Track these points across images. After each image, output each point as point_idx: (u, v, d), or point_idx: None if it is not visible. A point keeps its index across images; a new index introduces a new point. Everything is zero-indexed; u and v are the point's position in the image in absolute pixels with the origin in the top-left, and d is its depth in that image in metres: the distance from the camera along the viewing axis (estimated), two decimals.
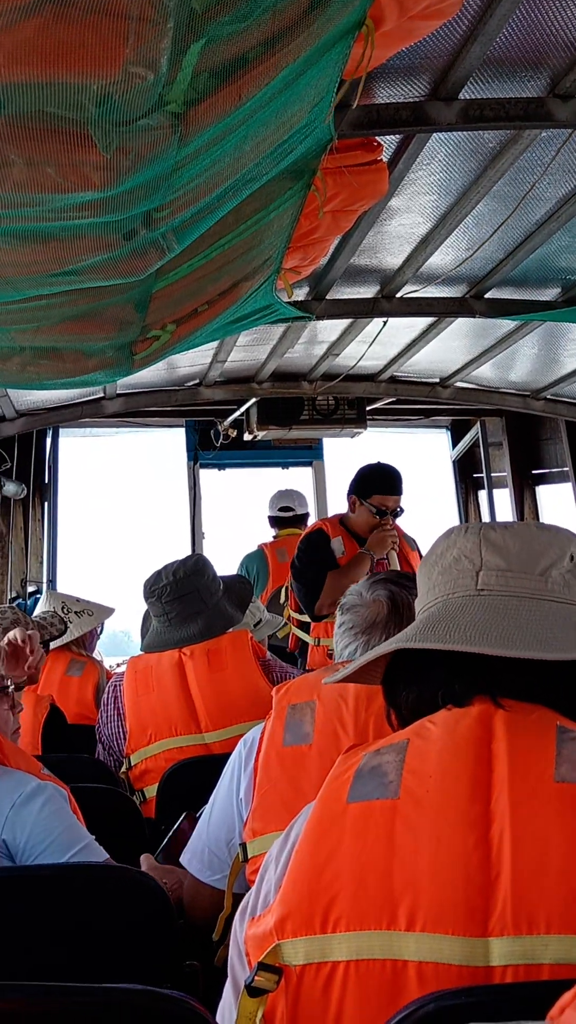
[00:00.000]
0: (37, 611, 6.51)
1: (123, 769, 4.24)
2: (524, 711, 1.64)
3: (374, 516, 6.25)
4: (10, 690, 3.19)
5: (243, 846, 2.60)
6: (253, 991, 1.50)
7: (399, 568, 6.04)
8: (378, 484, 6.36)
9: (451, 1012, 1.34)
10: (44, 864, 2.55)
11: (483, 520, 9.91)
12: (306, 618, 6.49)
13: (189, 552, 8.33)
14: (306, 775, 2.51)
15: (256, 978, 1.49)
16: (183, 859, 2.89)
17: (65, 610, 6.38)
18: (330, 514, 7.82)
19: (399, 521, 6.39)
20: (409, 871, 1.48)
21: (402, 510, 6.35)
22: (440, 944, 1.43)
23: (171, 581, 4.33)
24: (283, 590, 7.29)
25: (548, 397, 8.68)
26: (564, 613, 1.75)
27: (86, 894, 2.38)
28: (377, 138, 3.78)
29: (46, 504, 9.79)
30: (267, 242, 3.82)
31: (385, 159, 3.93)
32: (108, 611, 6.69)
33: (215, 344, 6.83)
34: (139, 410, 8.89)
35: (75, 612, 6.45)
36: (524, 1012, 1.28)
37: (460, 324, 6.72)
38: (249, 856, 2.54)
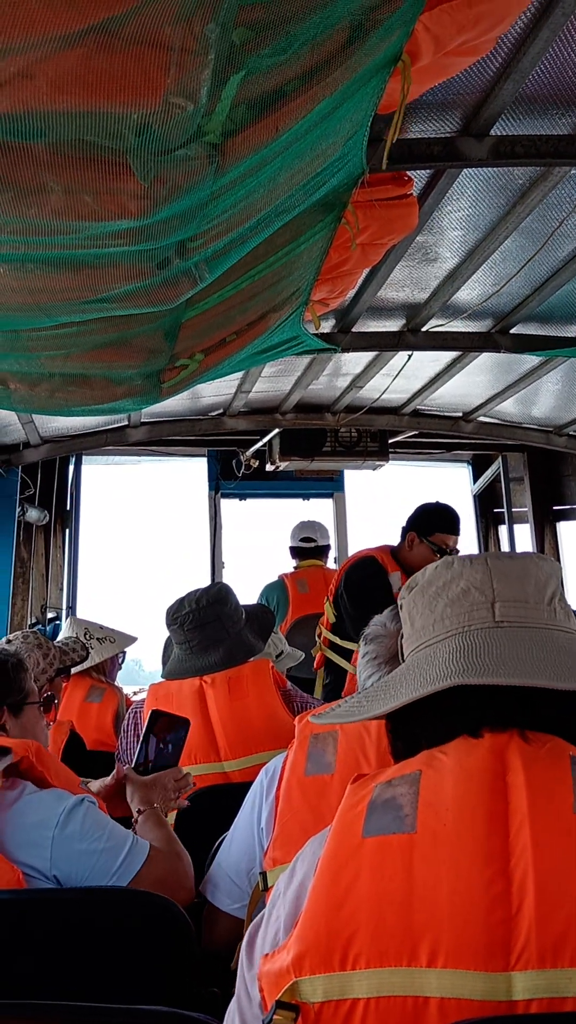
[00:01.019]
0: (60, 636, 6.53)
1: None
2: (537, 741, 1.64)
3: (434, 554, 6.19)
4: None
5: (263, 875, 2.59)
6: None
7: None
8: (441, 523, 6.37)
9: None
10: (68, 888, 2.56)
11: None
12: (349, 645, 6.41)
13: (208, 581, 8.34)
14: (327, 805, 2.50)
15: (275, 1016, 1.48)
16: (202, 888, 2.89)
17: (88, 636, 6.39)
18: (350, 546, 7.81)
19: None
20: (429, 906, 1.47)
21: (458, 551, 6.30)
22: (462, 980, 1.42)
23: (194, 609, 4.33)
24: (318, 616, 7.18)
25: (570, 433, 8.68)
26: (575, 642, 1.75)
27: (109, 918, 2.38)
28: (408, 173, 3.80)
29: (67, 531, 9.82)
30: (297, 273, 3.84)
31: (415, 193, 3.95)
32: (130, 639, 6.69)
33: (240, 374, 6.86)
34: (162, 439, 8.91)
35: (97, 639, 6.46)
36: None
37: (484, 359, 6.73)
38: (269, 885, 2.53)
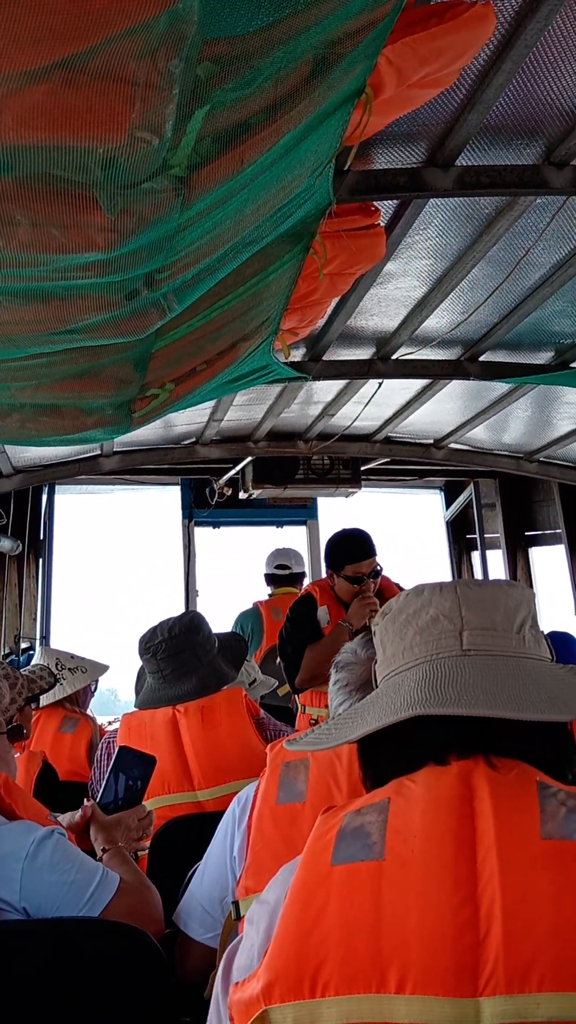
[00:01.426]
0: (30, 666, 6.50)
1: None
2: (504, 767, 1.65)
3: (352, 585, 6.16)
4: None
5: (235, 904, 2.58)
6: None
7: None
8: (347, 554, 6.24)
9: None
10: (38, 919, 2.54)
11: None
12: (285, 689, 6.48)
13: (183, 610, 8.33)
14: (299, 833, 2.50)
15: None
16: (175, 917, 2.88)
17: (59, 667, 6.36)
18: (324, 574, 7.80)
19: (389, 572, 6.35)
20: (397, 933, 1.46)
21: (380, 569, 6.24)
22: (431, 1006, 1.41)
23: (166, 638, 4.31)
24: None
25: (541, 459, 8.72)
26: (544, 670, 1.76)
27: (80, 949, 2.37)
28: (375, 203, 3.83)
29: (41, 560, 9.79)
30: (266, 303, 3.86)
31: (383, 223, 3.98)
32: (102, 668, 6.67)
33: (212, 403, 6.88)
34: (135, 468, 8.91)
35: (69, 668, 6.43)
36: None
37: (454, 386, 6.76)
38: (242, 915, 2.51)
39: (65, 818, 3.24)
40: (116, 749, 4.19)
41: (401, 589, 6.24)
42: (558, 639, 5.30)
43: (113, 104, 1.99)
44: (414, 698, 1.70)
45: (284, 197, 2.86)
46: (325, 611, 6.27)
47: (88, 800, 3.30)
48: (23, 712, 5.02)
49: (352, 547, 6.25)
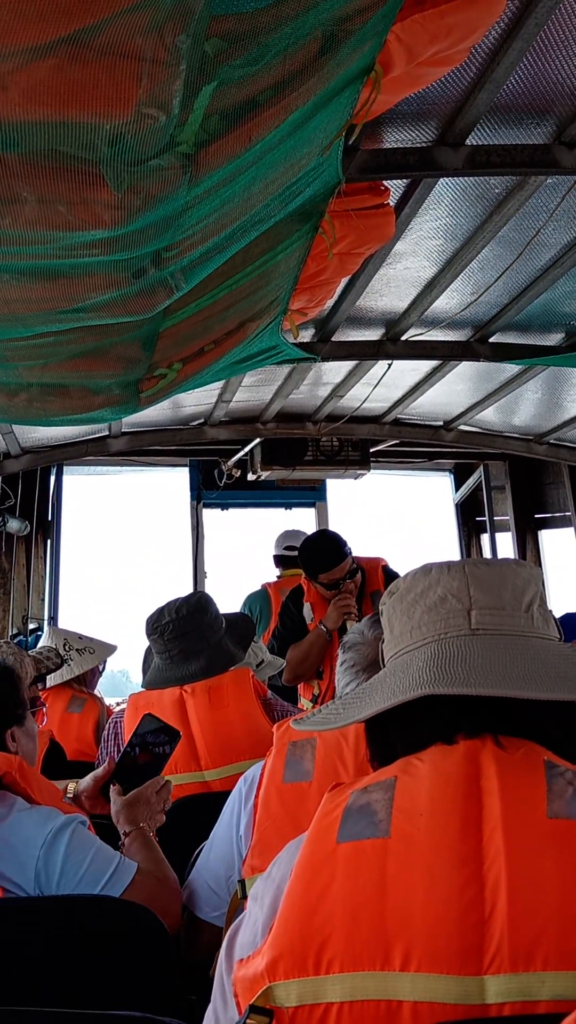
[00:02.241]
0: (38, 646, 6.53)
1: None
2: (512, 747, 1.65)
3: (326, 589, 6.16)
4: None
5: (241, 883, 2.59)
6: None
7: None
8: (317, 563, 6.21)
9: None
10: (45, 896, 2.55)
11: None
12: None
13: (191, 591, 8.33)
14: (306, 812, 2.49)
15: (248, 1021, 1.47)
16: (183, 895, 2.89)
17: (67, 647, 6.39)
18: None
19: (397, 556, 6.35)
20: (402, 911, 1.46)
21: (356, 568, 6.19)
22: (435, 984, 1.41)
23: (174, 618, 4.31)
24: None
25: (551, 442, 8.70)
26: (553, 649, 1.76)
27: (86, 927, 2.37)
28: (384, 182, 3.82)
29: (49, 541, 9.80)
30: (274, 283, 3.85)
31: (392, 203, 3.97)
32: (110, 649, 6.68)
33: (220, 384, 6.87)
34: (143, 449, 8.91)
35: (77, 649, 6.46)
36: None
37: (464, 368, 6.75)
38: (247, 893, 2.52)
39: (83, 783, 3.24)
40: (125, 729, 4.21)
41: (389, 574, 6.24)
42: (571, 621, 5.29)
43: (120, 80, 1.98)
44: (423, 677, 1.70)
45: (292, 175, 2.85)
46: (309, 608, 6.29)
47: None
48: (31, 691, 5.05)
49: (322, 554, 6.22)
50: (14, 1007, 1.68)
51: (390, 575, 6.33)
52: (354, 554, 6.36)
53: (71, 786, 3.33)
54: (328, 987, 1.46)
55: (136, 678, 4.81)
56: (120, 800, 3.16)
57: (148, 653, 4.61)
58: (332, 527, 10.22)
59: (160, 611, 4.38)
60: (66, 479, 10.01)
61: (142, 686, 4.56)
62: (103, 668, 6.84)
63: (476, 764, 1.61)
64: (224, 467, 9.68)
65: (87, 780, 3.29)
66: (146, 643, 4.58)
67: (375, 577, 6.28)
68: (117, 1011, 1.64)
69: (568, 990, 1.38)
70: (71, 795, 3.32)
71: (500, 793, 1.55)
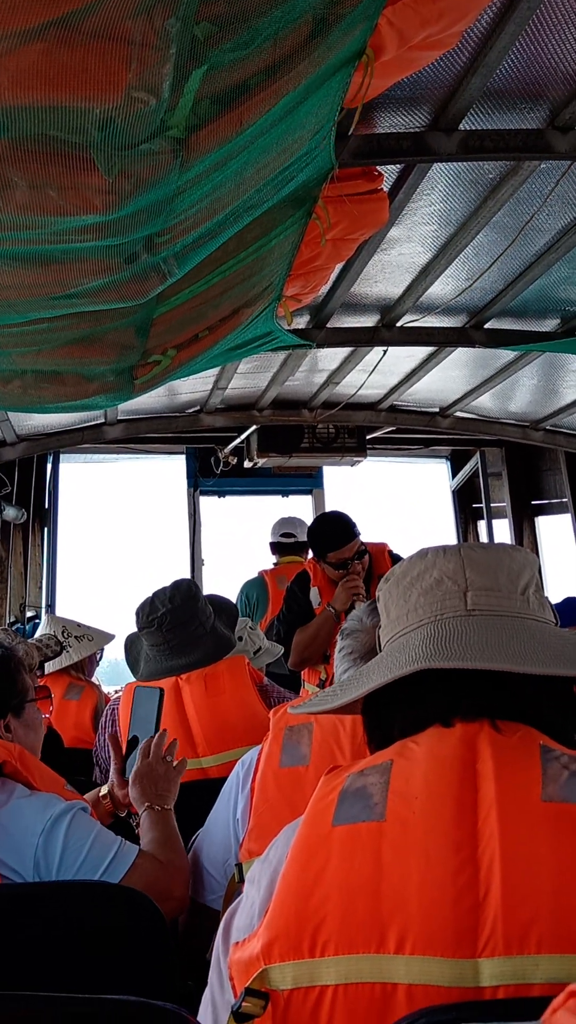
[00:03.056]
0: (37, 634, 6.55)
1: None
2: (508, 730, 1.65)
3: (336, 571, 6.11)
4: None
5: (238, 867, 2.60)
6: (240, 1016, 1.49)
7: None
8: (326, 542, 6.17)
9: None
10: (42, 881, 2.55)
11: None
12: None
13: (188, 578, 8.33)
14: (302, 796, 2.49)
15: (243, 1004, 1.47)
16: None
17: (65, 634, 6.40)
18: None
19: (394, 542, 6.35)
20: (397, 894, 1.47)
21: (364, 550, 6.15)
22: (430, 966, 1.42)
23: (169, 608, 4.29)
24: None
25: (547, 428, 8.71)
26: (548, 631, 1.77)
27: (83, 912, 2.38)
28: (378, 168, 3.81)
29: (46, 529, 9.80)
30: (268, 269, 3.85)
31: (386, 188, 3.96)
32: (108, 637, 6.69)
33: (216, 371, 6.86)
34: (139, 436, 8.91)
35: (75, 636, 6.47)
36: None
37: (460, 354, 6.74)
38: (244, 877, 2.53)
39: (91, 796, 3.25)
40: (120, 716, 4.22)
41: (395, 558, 6.24)
42: (571, 605, 5.28)
43: (109, 64, 1.98)
44: (419, 654, 1.70)
45: (285, 160, 2.84)
46: (316, 592, 6.25)
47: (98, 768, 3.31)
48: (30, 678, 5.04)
49: (332, 533, 6.18)
50: (11, 991, 1.68)
51: (396, 559, 6.29)
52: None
53: (104, 789, 3.34)
54: (323, 970, 1.46)
55: None
56: (124, 790, 3.18)
57: (131, 644, 4.58)
58: None
59: (150, 603, 4.34)
60: (62, 467, 10.00)
61: (138, 678, 4.54)
62: (100, 656, 6.85)
63: (472, 748, 1.61)
64: (220, 454, 9.68)
65: (111, 776, 3.29)
66: None
67: (382, 560, 6.26)
68: (111, 996, 1.64)
69: (562, 973, 1.38)
70: (104, 794, 3.32)
71: (495, 776, 1.55)
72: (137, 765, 3.14)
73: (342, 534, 6.12)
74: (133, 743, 3.27)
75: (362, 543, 6.14)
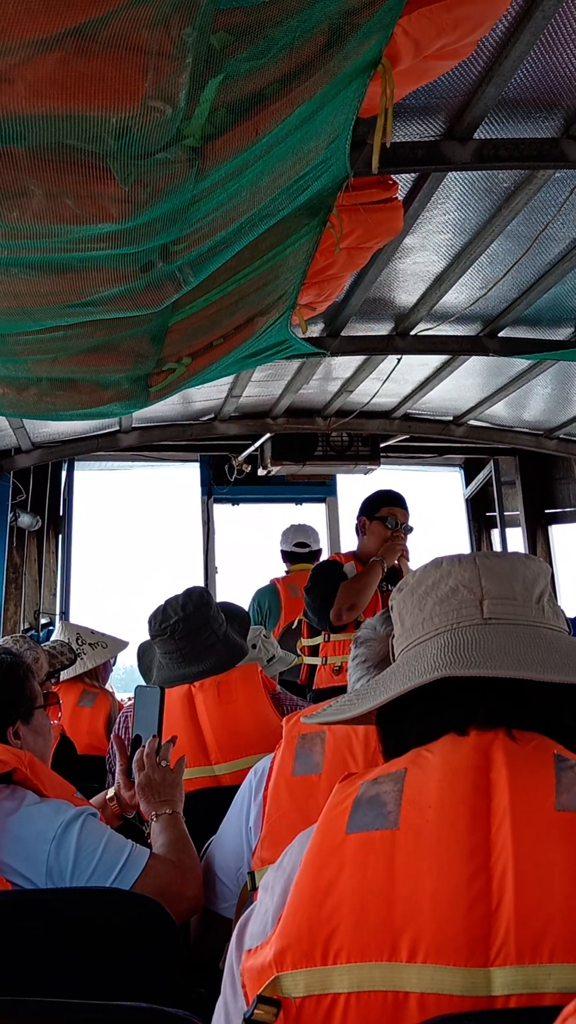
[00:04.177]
0: (51, 640, 6.56)
1: None
2: (523, 739, 1.65)
3: (386, 527, 6.32)
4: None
5: (251, 875, 2.60)
6: None
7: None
8: (384, 500, 6.47)
9: None
10: (51, 888, 2.56)
11: None
12: (316, 641, 6.49)
13: (201, 586, 8.33)
14: (315, 805, 2.50)
15: (256, 1011, 1.47)
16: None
17: (80, 642, 6.42)
18: (343, 551, 7.84)
19: (410, 541, 6.43)
20: (410, 902, 1.47)
21: (411, 528, 6.43)
22: (442, 975, 1.42)
23: (182, 617, 4.30)
24: (298, 621, 7.25)
25: (561, 436, 8.70)
26: (564, 640, 1.77)
27: (94, 919, 2.38)
28: (392, 176, 3.82)
29: (60, 536, 9.82)
30: (283, 277, 3.85)
31: (400, 197, 3.97)
32: (122, 644, 6.71)
33: (230, 379, 6.87)
34: (154, 444, 8.92)
35: (89, 644, 6.50)
36: None
37: (474, 362, 6.74)
38: (257, 885, 2.53)
39: (98, 800, 3.25)
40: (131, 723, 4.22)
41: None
42: None
43: (126, 73, 1.98)
44: (438, 662, 1.70)
45: (300, 169, 2.85)
46: (352, 566, 6.35)
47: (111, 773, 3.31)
48: (44, 686, 5.06)
49: (394, 495, 6.51)
50: (23, 997, 1.69)
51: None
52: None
53: (110, 792, 3.34)
54: (335, 977, 1.46)
55: None
56: (129, 802, 3.19)
57: (144, 652, 4.59)
58: (343, 522, 10.25)
59: (163, 611, 4.35)
60: (77, 474, 10.02)
61: (150, 686, 4.54)
62: (114, 663, 6.86)
63: (486, 756, 1.61)
64: (234, 462, 9.69)
65: (117, 779, 3.29)
66: None
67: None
68: (124, 1002, 1.65)
69: (574, 983, 1.38)
70: (111, 797, 3.32)
71: (509, 785, 1.55)
72: (136, 778, 3.15)
73: (402, 499, 6.50)
74: (137, 743, 3.27)
75: (411, 526, 6.45)
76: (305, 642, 6.72)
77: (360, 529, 6.49)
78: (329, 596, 6.21)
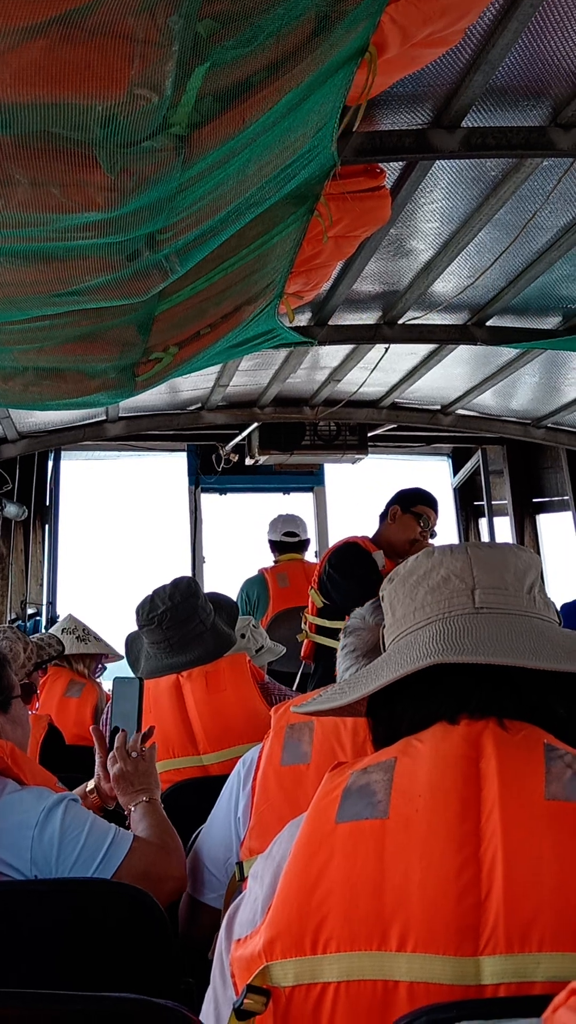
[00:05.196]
0: (54, 629, 6.65)
1: None
2: (513, 729, 1.65)
3: (417, 523, 6.33)
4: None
5: (239, 865, 2.60)
6: (242, 1013, 1.49)
7: None
8: (422, 498, 6.48)
9: None
10: (42, 879, 2.56)
11: None
12: (338, 624, 6.43)
13: (189, 576, 8.33)
14: (304, 794, 2.51)
15: (245, 1001, 1.48)
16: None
17: (86, 631, 6.48)
18: (331, 540, 7.84)
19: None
20: (400, 891, 1.47)
21: (435, 533, 6.45)
22: (431, 964, 1.42)
23: (169, 606, 4.30)
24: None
25: (549, 426, 8.70)
26: (555, 630, 1.77)
27: (82, 909, 2.38)
28: (380, 165, 3.81)
29: (47, 526, 9.80)
30: (270, 266, 3.84)
31: (388, 186, 3.95)
32: (118, 655, 6.73)
33: (217, 368, 6.86)
34: (141, 433, 8.91)
35: (94, 637, 6.56)
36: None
37: (461, 351, 6.74)
38: (245, 875, 2.53)
39: (78, 792, 3.25)
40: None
41: None
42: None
43: (112, 60, 1.97)
44: (431, 649, 1.71)
45: (287, 158, 2.84)
46: (381, 555, 6.33)
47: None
48: (31, 676, 5.06)
49: (428, 495, 6.56)
50: (10, 989, 1.68)
51: None
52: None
53: (91, 784, 3.34)
54: (325, 967, 1.47)
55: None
56: (108, 794, 3.19)
57: (132, 642, 4.59)
58: (331, 512, 10.26)
59: (151, 601, 4.35)
60: (64, 464, 10.00)
61: (139, 675, 4.54)
62: (104, 670, 6.89)
63: (476, 746, 1.62)
64: (222, 452, 9.67)
65: (96, 770, 3.29)
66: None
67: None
68: (112, 993, 1.65)
69: (563, 971, 1.38)
70: (91, 789, 3.32)
71: (499, 775, 1.56)
72: (111, 771, 3.16)
73: (436, 503, 6.59)
74: (115, 733, 3.27)
75: (436, 531, 6.55)
76: (319, 621, 6.57)
77: (390, 516, 6.46)
78: (369, 585, 6.14)
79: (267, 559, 9.09)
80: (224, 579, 10.39)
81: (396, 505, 6.45)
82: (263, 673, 4.60)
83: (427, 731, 1.69)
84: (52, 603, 9.60)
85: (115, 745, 3.18)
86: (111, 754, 3.19)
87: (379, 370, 7.14)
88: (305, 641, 6.67)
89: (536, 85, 3.47)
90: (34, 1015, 1.61)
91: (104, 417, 8.28)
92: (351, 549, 6.47)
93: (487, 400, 8.27)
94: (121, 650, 6.72)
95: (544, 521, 10.28)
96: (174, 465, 10.39)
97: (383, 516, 6.53)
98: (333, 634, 6.46)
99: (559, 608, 1.92)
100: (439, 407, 8.71)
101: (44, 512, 9.79)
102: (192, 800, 3.50)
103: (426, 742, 1.66)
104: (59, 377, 4.00)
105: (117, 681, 3.49)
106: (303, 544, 8.99)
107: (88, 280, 2.81)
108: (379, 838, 1.53)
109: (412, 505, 6.38)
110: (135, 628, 4.50)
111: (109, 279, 2.83)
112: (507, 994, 1.40)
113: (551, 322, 6.08)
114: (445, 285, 5.46)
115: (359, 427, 9.19)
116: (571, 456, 9.32)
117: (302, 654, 6.72)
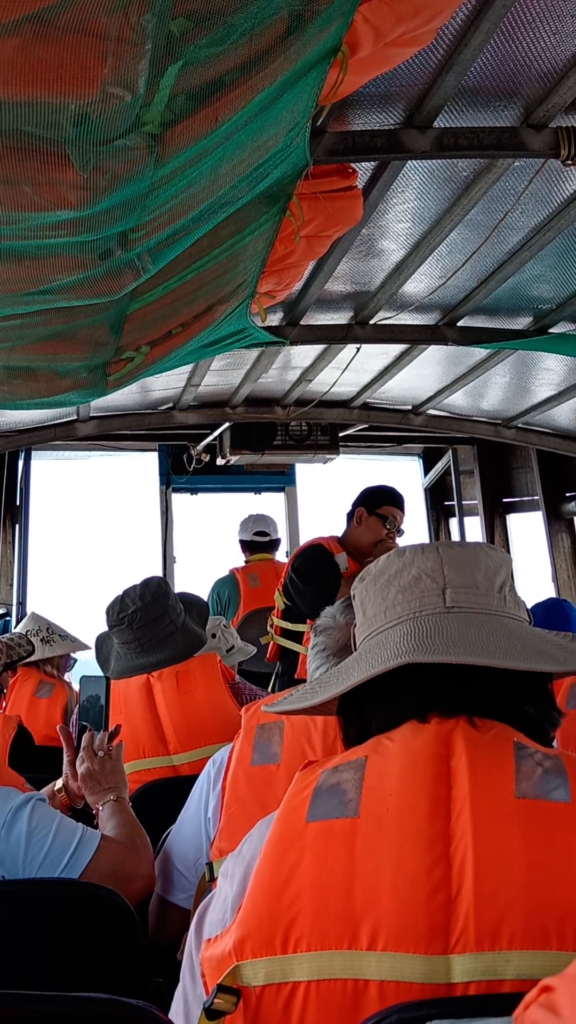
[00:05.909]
0: (18, 629, 6.59)
1: None
2: (483, 727, 1.65)
3: (383, 525, 6.32)
4: None
5: (209, 865, 2.60)
6: (212, 1013, 1.48)
7: None
8: (388, 498, 6.47)
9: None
10: (9, 880, 2.55)
11: None
12: (299, 627, 6.43)
13: (160, 576, 8.31)
14: (274, 794, 2.51)
15: (215, 1000, 1.48)
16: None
17: (50, 631, 6.44)
18: (302, 540, 7.83)
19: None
20: (370, 890, 1.47)
21: (403, 531, 6.45)
22: (401, 963, 1.43)
23: (140, 606, 4.29)
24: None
25: (519, 426, 8.71)
26: (526, 629, 1.78)
27: (52, 910, 2.38)
28: (352, 165, 3.81)
29: (17, 526, 9.76)
30: (242, 266, 3.84)
31: (360, 186, 3.96)
32: (85, 646, 6.71)
33: (189, 368, 6.84)
34: (112, 433, 8.88)
35: (59, 635, 6.53)
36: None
37: (433, 352, 6.74)
38: (215, 876, 2.53)
39: (46, 791, 3.25)
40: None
41: None
42: (551, 607, 5.32)
43: (85, 59, 1.97)
44: (401, 649, 1.71)
45: (260, 157, 2.84)
46: (344, 557, 6.33)
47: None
48: (0, 678, 5.04)
49: (396, 495, 6.56)
50: None
51: None
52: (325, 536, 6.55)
53: (59, 783, 3.34)
54: (295, 966, 1.47)
55: None
56: (76, 793, 3.19)
57: (102, 643, 4.58)
58: (302, 512, 10.25)
59: (120, 601, 4.34)
60: (34, 464, 9.96)
61: (110, 676, 4.53)
62: (74, 663, 6.87)
63: (447, 744, 1.62)
64: (193, 452, 9.66)
65: (64, 769, 3.29)
66: None
67: None
68: (83, 993, 1.64)
69: (533, 969, 1.39)
70: (59, 788, 3.32)
71: (469, 773, 1.56)
72: (79, 770, 3.16)
73: (403, 501, 6.58)
74: (83, 733, 3.27)
75: (402, 529, 6.54)
76: (282, 624, 6.62)
77: (356, 518, 6.46)
78: (328, 591, 6.15)
79: (238, 559, 9.08)
80: (195, 579, 10.38)
81: (362, 507, 6.46)
82: (234, 673, 4.60)
83: (397, 730, 1.69)
84: (23, 603, 9.56)
85: (82, 744, 3.18)
86: (79, 753, 3.18)
87: (350, 370, 7.14)
88: (270, 644, 6.69)
89: (508, 86, 3.48)
90: (3, 1016, 1.60)
91: (75, 416, 8.25)
92: (314, 552, 6.48)
93: (458, 400, 8.28)
94: (88, 640, 6.74)
95: (514, 521, 10.31)
96: (145, 465, 10.37)
97: (349, 516, 6.53)
98: (296, 636, 6.47)
99: (530, 608, 1.92)
100: (410, 407, 8.72)
101: (14, 512, 9.75)
102: (162, 800, 3.50)
103: (396, 741, 1.66)
104: (30, 376, 3.98)
105: (84, 680, 3.50)
106: (274, 544, 8.99)
107: (60, 279, 2.80)
108: (350, 837, 1.53)
109: (377, 507, 6.39)
110: (105, 628, 4.48)
111: (81, 278, 2.82)
112: (477, 992, 1.40)
113: (522, 322, 6.10)
114: (417, 285, 5.47)
115: (330, 427, 9.20)
116: (541, 456, 9.34)
117: (268, 656, 6.73)
